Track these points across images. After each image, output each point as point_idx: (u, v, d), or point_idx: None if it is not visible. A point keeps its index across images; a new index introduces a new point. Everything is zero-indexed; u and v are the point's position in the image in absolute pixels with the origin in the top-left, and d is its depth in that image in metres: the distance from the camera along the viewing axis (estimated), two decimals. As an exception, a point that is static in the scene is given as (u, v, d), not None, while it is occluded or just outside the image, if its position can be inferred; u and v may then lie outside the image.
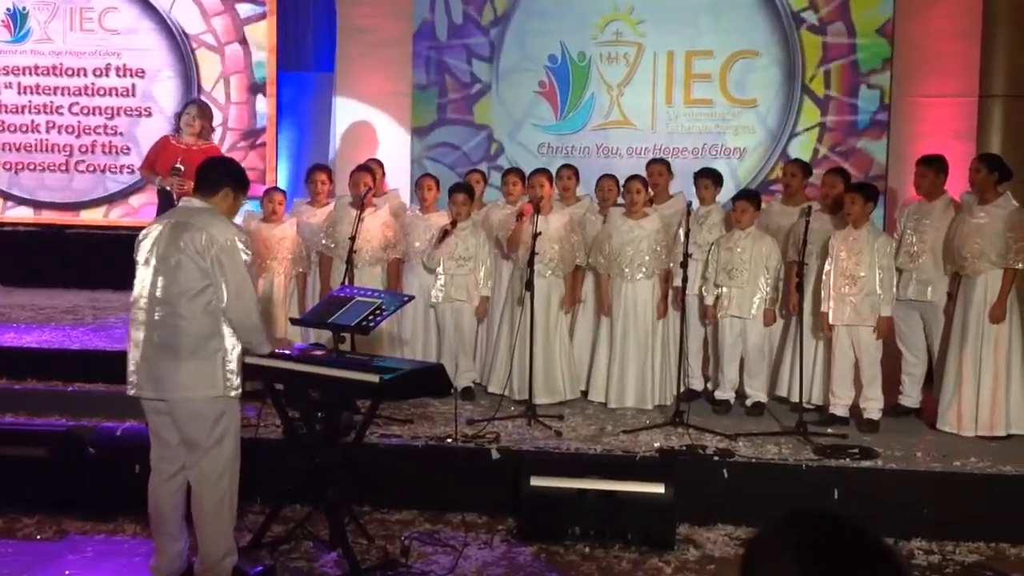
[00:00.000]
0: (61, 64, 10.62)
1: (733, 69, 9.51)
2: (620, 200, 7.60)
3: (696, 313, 7.49)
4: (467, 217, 7.43)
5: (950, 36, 9.04)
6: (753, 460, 6.13)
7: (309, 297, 7.63)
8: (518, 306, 7.25)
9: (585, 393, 7.49)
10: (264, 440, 5.92)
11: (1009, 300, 6.67)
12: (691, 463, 6.08)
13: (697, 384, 7.58)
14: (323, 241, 7.53)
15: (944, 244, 6.93)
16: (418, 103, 9.90)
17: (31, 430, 6.35)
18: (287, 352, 5.16)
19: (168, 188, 7.61)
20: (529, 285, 6.88)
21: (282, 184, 9.86)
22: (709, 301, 7.26)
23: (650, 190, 7.56)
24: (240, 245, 4.67)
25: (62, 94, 10.65)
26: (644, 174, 7.68)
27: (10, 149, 10.70)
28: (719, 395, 7.31)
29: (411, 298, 6.07)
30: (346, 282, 6.87)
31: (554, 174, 7.79)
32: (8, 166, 10.73)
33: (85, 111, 10.62)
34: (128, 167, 10.46)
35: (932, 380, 7.25)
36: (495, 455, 6.15)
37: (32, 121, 10.69)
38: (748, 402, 7.24)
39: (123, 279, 4.84)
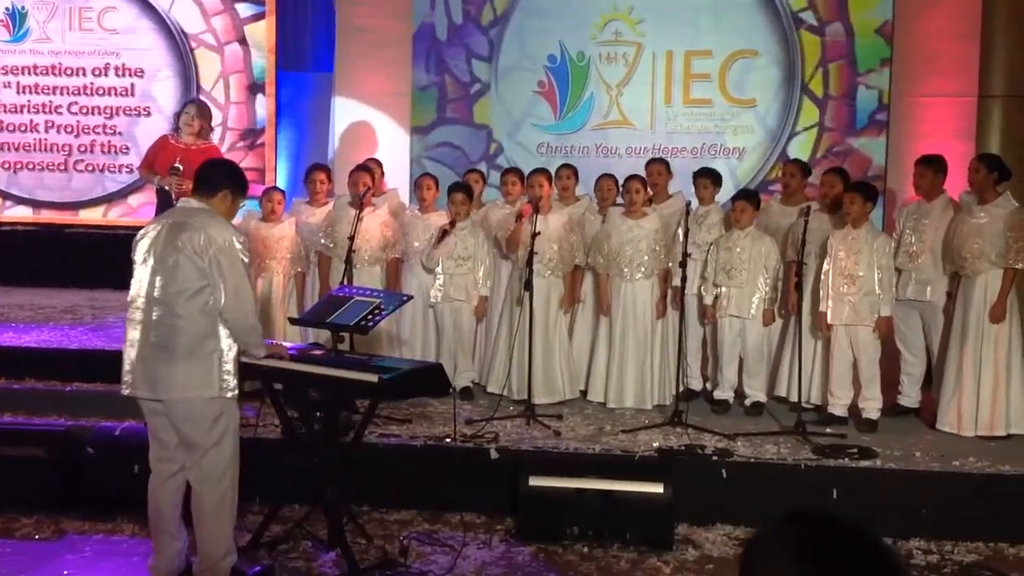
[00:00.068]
0: (60, 64, 10.62)
1: (732, 69, 9.51)
2: (619, 200, 7.59)
3: (695, 313, 7.49)
4: (466, 217, 7.43)
5: (949, 36, 9.04)
6: (752, 460, 6.13)
7: (308, 297, 7.63)
8: (517, 306, 7.25)
9: (584, 393, 7.49)
10: (263, 440, 5.92)
11: (1009, 300, 6.67)
12: (690, 463, 6.08)
13: (696, 384, 7.58)
14: (322, 241, 7.53)
15: (943, 244, 6.93)
16: (417, 103, 9.90)
17: (30, 430, 6.34)
18: (282, 359, 5.14)
19: (167, 187, 7.61)
20: (528, 285, 6.88)
21: (281, 184, 9.86)
22: (708, 301, 7.26)
23: (649, 190, 7.56)
24: (238, 246, 4.67)
25: (61, 94, 10.64)
26: (643, 174, 7.69)
27: (9, 148, 10.70)
28: (718, 395, 7.31)
29: (410, 298, 6.07)
30: (345, 282, 6.87)
31: (553, 174, 7.78)
32: (7, 165, 10.72)
33: (84, 111, 10.62)
34: (127, 167, 10.45)
35: (931, 380, 7.25)
36: (494, 455, 6.15)
37: (31, 121, 10.68)
38: (747, 402, 7.24)
39: (122, 279, 4.84)
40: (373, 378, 4.94)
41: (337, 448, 5.34)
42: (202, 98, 9.88)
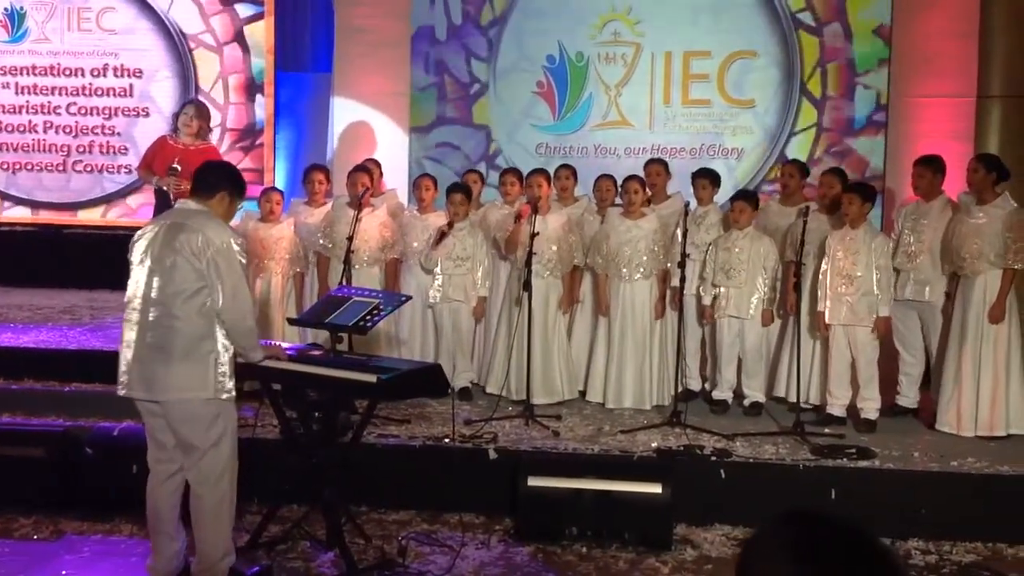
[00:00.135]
0: (59, 64, 10.61)
1: (731, 69, 9.51)
2: (618, 200, 7.59)
3: (694, 313, 7.49)
4: (464, 217, 7.43)
5: (948, 37, 9.04)
6: (750, 460, 6.13)
7: (307, 297, 7.63)
8: (516, 306, 7.25)
9: (583, 393, 7.49)
10: (261, 440, 5.92)
11: (1008, 300, 6.68)
12: (688, 463, 6.08)
13: (695, 384, 7.59)
14: (320, 241, 7.53)
15: (942, 244, 6.93)
16: (416, 103, 9.90)
17: (28, 430, 6.34)
18: (280, 359, 5.13)
19: (165, 188, 7.61)
20: (527, 285, 6.88)
21: (280, 184, 9.86)
22: (707, 301, 7.26)
23: (648, 190, 7.56)
24: (236, 248, 4.68)
25: (60, 94, 10.64)
26: (642, 174, 7.69)
27: (7, 149, 10.70)
28: (717, 395, 7.31)
29: (409, 298, 6.07)
30: (344, 282, 6.87)
31: (552, 174, 7.78)
32: (6, 166, 10.72)
33: (83, 111, 10.62)
34: (126, 167, 10.45)
35: (930, 380, 7.25)
36: (493, 455, 6.15)
37: (30, 121, 10.68)
38: (746, 402, 7.25)
39: (121, 279, 4.84)
40: (372, 378, 4.94)
41: (336, 448, 5.34)
42: (200, 99, 9.89)
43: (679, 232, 7.10)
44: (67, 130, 10.64)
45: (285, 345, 5.50)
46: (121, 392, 4.77)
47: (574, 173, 7.99)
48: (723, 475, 6.03)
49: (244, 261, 4.74)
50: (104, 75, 10.57)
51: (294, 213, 7.82)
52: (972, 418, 6.70)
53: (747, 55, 9.48)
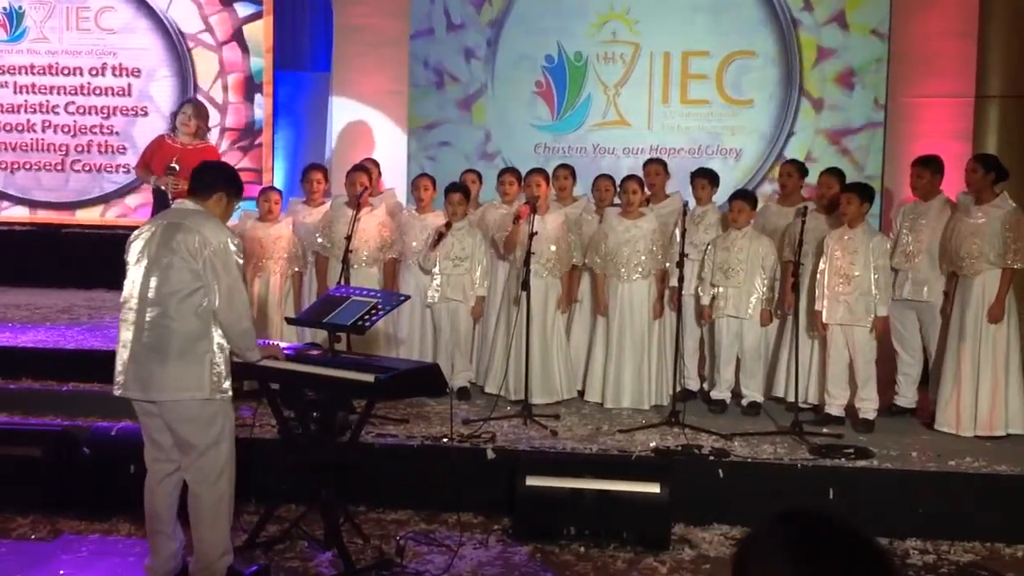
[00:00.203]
0: (57, 63, 10.62)
1: (730, 69, 9.52)
2: (617, 200, 7.59)
3: (692, 313, 7.49)
4: (463, 217, 7.43)
5: (946, 37, 9.05)
6: (749, 460, 6.13)
7: (305, 296, 7.63)
8: (514, 306, 7.25)
9: (581, 393, 7.49)
10: (260, 440, 5.93)
11: (1007, 300, 6.68)
12: (687, 463, 6.08)
13: (693, 384, 7.59)
14: (319, 241, 7.53)
15: (941, 244, 6.93)
16: (415, 103, 9.90)
17: (26, 430, 6.33)
18: (277, 359, 5.13)
19: (163, 187, 7.61)
20: (525, 285, 6.88)
21: (278, 183, 9.86)
22: (705, 301, 7.26)
23: (646, 190, 7.56)
24: (232, 248, 4.67)
25: (58, 93, 10.64)
26: (641, 174, 7.69)
27: (6, 149, 10.70)
28: (715, 395, 7.30)
29: (407, 298, 6.07)
30: (342, 282, 6.86)
31: (551, 174, 7.78)
32: (4, 166, 10.72)
33: (81, 110, 10.62)
34: (124, 167, 10.45)
35: (928, 380, 7.25)
36: (491, 455, 6.15)
37: (28, 120, 10.68)
38: (744, 402, 7.24)
39: (119, 279, 4.83)
40: (370, 378, 4.93)
41: (334, 448, 5.33)
42: (199, 98, 9.89)
43: (678, 232, 7.09)
44: (66, 129, 10.65)
45: (283, 345, 5.49)
46: (117, 392, 4.76)
47: (573, 173, 7.98)
48: (721, 475, 6.03)
49: (241, 261, 4.74)
50: (103, 74, 10.58)
51: (292, 212, 7.82)
52: (971, 418, 6.70)
53: (746, 55, 9.48)
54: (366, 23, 9.88)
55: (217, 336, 4.68)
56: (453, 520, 5.93)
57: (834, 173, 7.45)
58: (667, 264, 7.27)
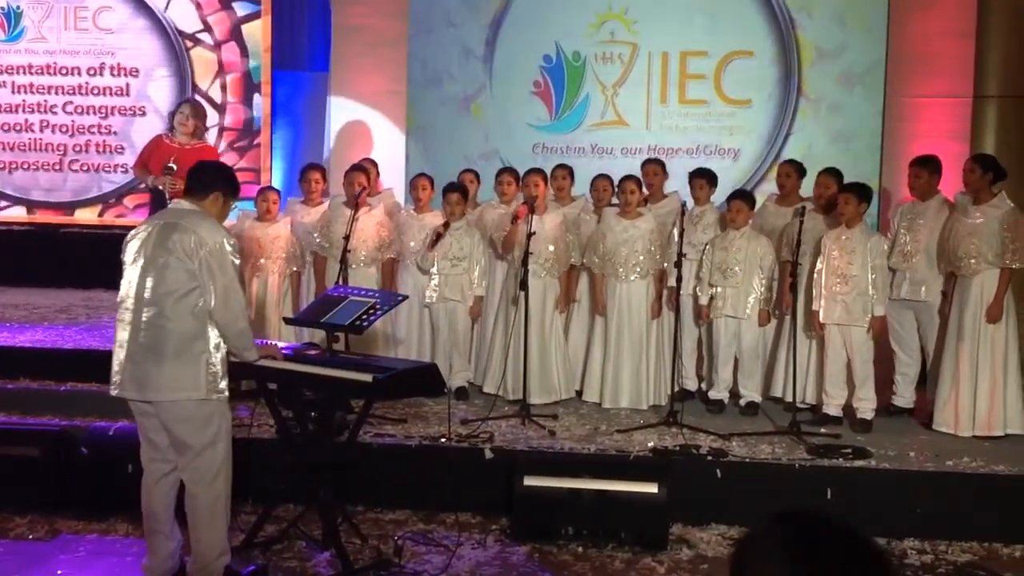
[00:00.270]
0: (55, 63, 10.61)
1: (728, 69, 9.52)
2: (615, 200, 7.59)
3: (690, 313, 7.49)
4: (461, 217, 7.42)
5: (945, 37, 9.05)
6: (746, 460, 6.13)
7: (303, 296, 7.63)
8: (513, 306, 7.25)
9: (579, 393, 7.49)
10: (258, 440, 5.93)
11: (1005, 300, 6.68)
12: (685, 463, 6.08)
13: (691, 384, 7.59)
14: (317, 240, 7.53)
15: (939, 244, 6.94)
16: (413, 102, 9.89)
17: (24, 429, 6.32)
18: (275, 359, 5.12)
19: (161, 187, 7.61)
20: (524, 285, 6.88)
21: (276, 183, 9.85)
22: (703, 301, 7.26)
23: (644, 190, 7.56)
24: (229, 248, 4.67)
25: (56, 93, 10.64)
26: (639, 174, 7.69)
27: (4, 148, 10.69)
28: (713, 395, 7.31)
29: (405, 298, 6.07)
30: (340, 282, 6.86)
31: (549, 174, 7.78)
32: (2, 165, 10.71)
33: (79, 110, 10.61)
34: (122, 167, 10.45)
35: (926, 380, 7.25)
36: (489, 455, 6.15)
37: (26, 120, 10.68)
38: (742, 402, 7.25)
39: (117, 279, 4.83)
40: (368, 378, 4.93)
41: (332, 448, 5.33)
42: (197, 97, 9.89)
43: (676, 232, 7.10)
44: (63, 129, 10.64)
45: (281, 344, 5.49)
46: (114, 392, 4.77)
47: (571, 173, 7.98)
48: (719, 475, 6.03)
49: (237, 262, 4.74)
50: (100, 74, 10.57)
51: (291, 212, 7.82)
52: (970, 418, 6.71)
53: (744, 55, 9.49)
54: (364, 23, 9.88)
55: (213, 336, 4.68)
56: (451, 520, 5.93)
57: (832, 173, 7.44)
58: (665, 264, 7.28)
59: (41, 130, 10.67)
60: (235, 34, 10.45)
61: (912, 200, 7.23)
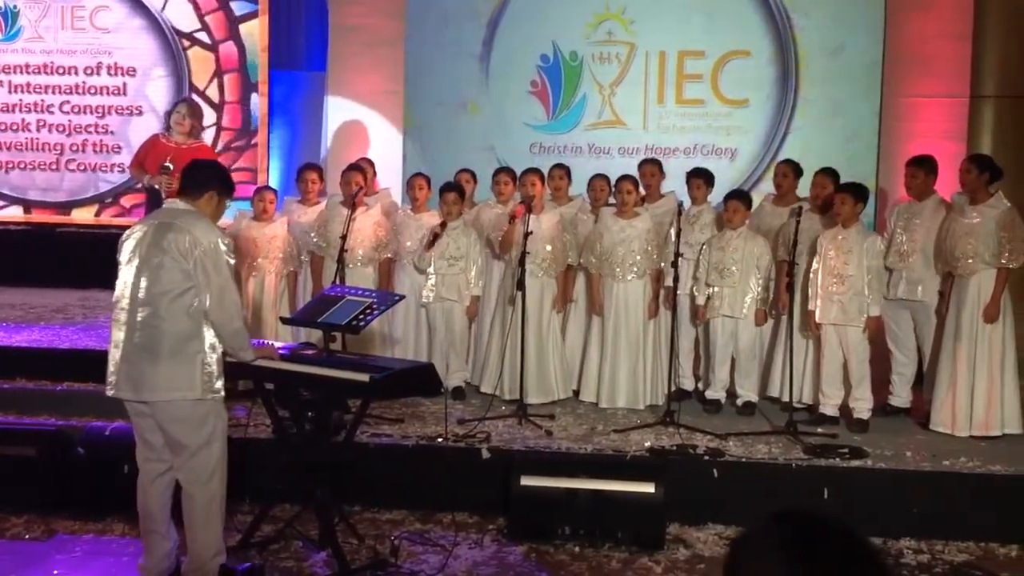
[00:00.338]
0: (52, 62, 10.60)
1: (725, 69, 9.52)
2: (612, 200, 7.59)
3: (687, 313, 7.49)
4: (457, 217, 7.42)
5: (941, 37, 9.06)
6: (743, 460, 6.13)
7: (300, 296, 7.62)
8: (510, 306, 7.25)
9: (576, 393, 7.49)
10: (254, 439, 5.93)
11: (1002, 300, 6.69)
12: (681, 463, 6.08)
13: (688, 384, 7.59)
14: (314, 240, 7.52)
15: (936, 244, 6.94)
16: (410, 102, 9.89)
17: (20, 429, 6.32)
18: (270, 360, 5.12)
19: (157, 187, 7.61)
20: (520, 285, 6.88)
21: (273, 183, 9.84)
22: (700, 301, 7.26)
23: (642, 190, 7.56)
24: (223, 248, 4.67)
25: (53, 92, 10.63)
26: (636, 174, 7.69)
27: (1, 148, 10.67)
28: (710, 395, 7.31)
29: (402, 297, 6.07)
30: (337, 281, 6.86)
31: (546, 174, 7.78)
32: (-1, 165, 10.71)
33: (76, 110, 10.60)
34: (119, 166, 10.44)
35: (922, 380, 7.26)
36: (485, 455, 6.15)
37: (23, 120, 10.66)
38: (739, 402, 7.25)
39: (113, 279, 4.83)
40: (364, 378, 4.93)
41: (328, 448, 5.33)
42: (194, 97, 9.88)
43: (673, 232, 7.10)
44: (60, 129, 10.63)
45: (278, 344, 5.49)
46: (109, 392, 4.76)
47: (568, 173, 7.98)
48: (716, 474, 6.04)
49: (232, 261, 4.73)
50: (97, 73, 10.56)
51: (288, 212, 7.82)
52: (967, 418, 6.71)
53: (741, 54, 9.49)
54: (362, 23, 9.88)
55: (209, 336, 4.67)
56: (448, 520, 5.93)
57: (829, 173, 7.45)
58: (662, 264, 7.28)
59: (38, 129, 10.65)
60: (233, 33, 10.44)
61: (908, 200, 7.23)
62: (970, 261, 6.68)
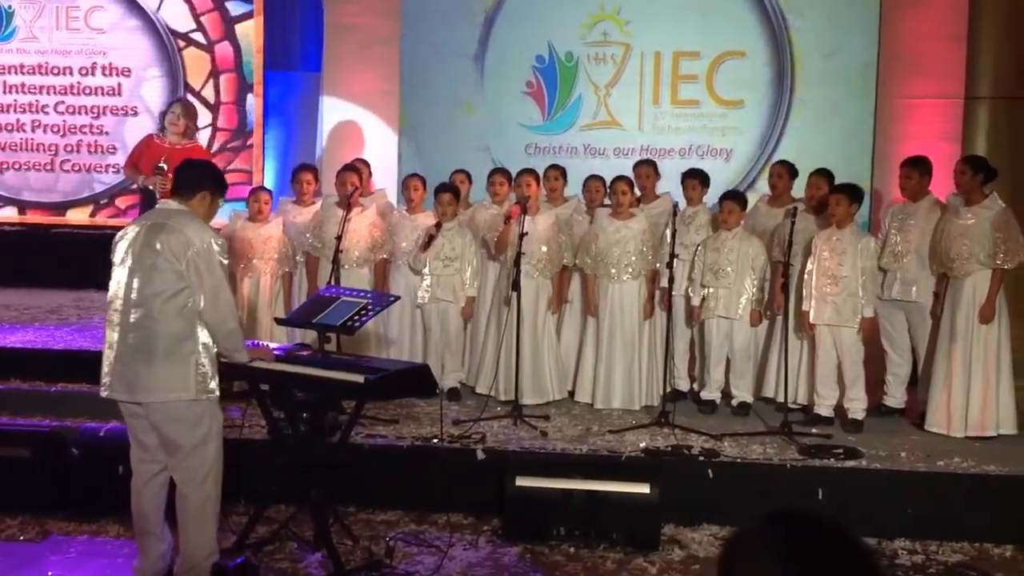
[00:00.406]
0: (47, 63, 10.58)
1: (720, 70, 9.52)
2: (607, 201, 7.60)
3: (682, 314, 7.50)
4: (453, 217, 7.42)
5: (936, 38, 9.06)
6: (738, 460, 6.14)
7: (295, 297, 7.61)
8: (505, 306, 7.25)
9: (572, 394, 7.49)
10: (249, 440, 5.91)
11: (997, 300, 6.70)
12: (676, 463, 6.08)
13: (683, 384, 7.60)
14: (309, 241, 7.52)
15: (931, 245, 6.95)
16: (405, 103, 9.88)
17: (14, 430, 6.30)
18: (264, 361, 5.11)
19: (151, 187, 7.60)
20: (516, 285, 6.88)
21: (268, 183, 9.84)
22: (695, 302, 7.26)
23: (637, 191, 7.56)
24: (216, 248, 4.66)
25: (48, 93, 10.61)
26: (631, 175, 7.69)
27: (-5, 148, 10.67)
28: (705, 395, 7.31)
29: (397, 298, 6.06)
30: (332, 282, 6.86)
31: (541, 174, 7.78)
32: (-7, 165, 10.69)
33: (71, 110, 10.58)
34: (114, 167, 10.42)
35: (917, 380, 7.27)
36: (480, 455, 6.15)
37: (17, 120, 10.64)
38: (734, 402, 7.25)
39: (108, 280, 4.82)
40: (359, 378, 4.93)
41: (323, 449, 5.33)
42: (189, 97, 9.87)
43: (668, 232, 7.10)
44: (55, 129, 10.61)
45: (273, 345, 5.49)
46: (104, 393, 4.76)
47: (563, 173, 7.98)
48: (711, 475, 6.04)
49: (225, 262, 4.73)
50: (92, 74, 10.54)
51: (282, 212, 7.81)
52: (962, 419, 6.72)
53: (736, 55, 9.49)
54: (357, 23, 9.87)
55: (202, 336, 4.67)
56: (443, 521, 5.93)
57: (823, 174, 7.46)
58: (657, 265, 7.28)
59: (33, 130, 10.63)
60: (229, 33, 10.42)
61: (903, 201, 7.25)
62: (965, 262, 6.69)
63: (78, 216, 10.64)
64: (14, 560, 5.29)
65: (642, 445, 6.34)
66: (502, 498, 5.80)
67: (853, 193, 6.90)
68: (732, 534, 1.92)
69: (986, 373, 6.70)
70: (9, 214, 10.70)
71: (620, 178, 7.43)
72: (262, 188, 8.15)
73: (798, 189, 7.68)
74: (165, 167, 7.41)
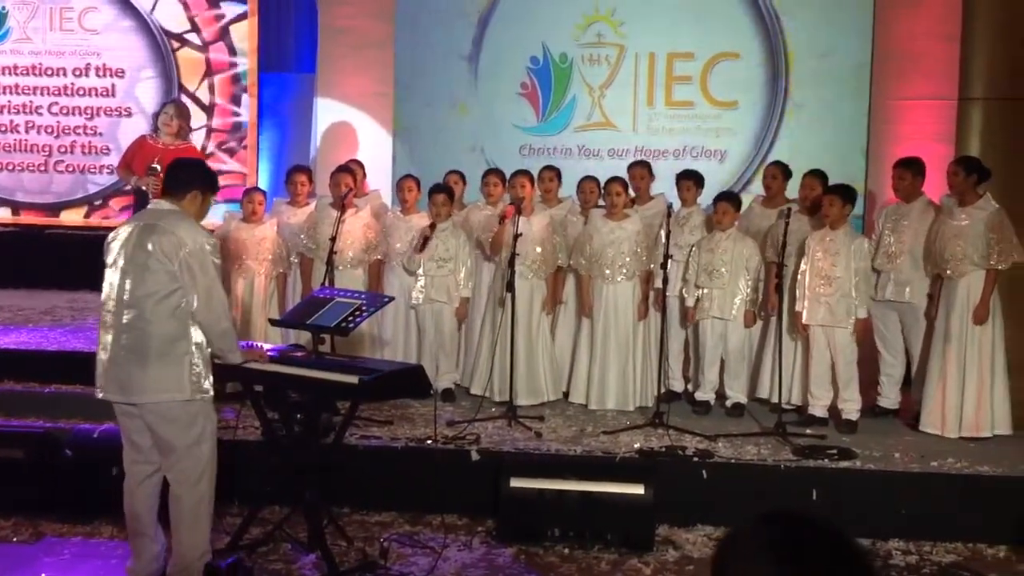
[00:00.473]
0: (40, 64, 10.57)
1: (714, 71, 9.53)
2: (601, 202, 7.60)
3: (677, 314, 7.50)
4: (447, 218, 7.42)
5: (930, 39, 9.07)
6: (732, 461, 6.14)
7: (289, 298, 7.61)
8: (499, 307, 7.25)
9: (566, 394, 7.49)
10: (243, 441, 5.91)
11: (992, 301, 6.71)
12: (671, 464, 6.09)
13: (677, 385, 7.61)
14: (304, 242, 7.52)
15: (925, 246, 6.96)
16: (399, 104, 9.88)
17: (8, 431, 6.29)
18: (258, 362, 5.10)
19: (144, 188, 7.59)
20: (510, 286, 6.88)
21: (262, 184, 9.82)
22: (690, 302, 7.27)
23: (631, 192, 7.57)
24: (209, 248, 4.65)
25: (41, 94, 10.59)
26: (625, 176, 7.69)
27: (-11, 149, 10.65)
28: (699, 396, 7.32)
29: (391, 299, 6.06)
30: (326, 283, 6.85)
31: (536, 175, 7.78)
32: (-13, 166, 10.67)
33: (65, 111, 10.57)
34: (108, 168, 10.40)
35: (911, 381, 7.28)
36: (475, 456, 6.14)
37: (11, 121, 10.63)
38: (728, 403, 7.26)
39: (102, 281, 4.81)
40: (353, 379, 4.92)
41: (318, 450, 5.32)
42: (183, 98, 9.86)
43: (662, 233, 7.11)
44: (49, 130, 10.60)
45: (267, 346, 5.48)
46: (99, 395, 4.76)
47: (558, 174, 7.98)
48: (705, 476, 6.05)
49: (218, 262, 4.72)
50: (86, 75, 10.53)
51: (277, 213, 7.80)
52: (957, 419, 6.73)
53: (730, 56, 9.50)
54: (351, 24, 9.86)
55: (196, 336, 4.66)
56: (437, 522, 5.92)
57: (817, 175, 7.47)
58: (652, 265, 7.29)
59: (26, 131, 10.62)
60: (223, 35, 10.42)
61: (896, 202, 7.26)
62: (959, 263, 6.71)
63: (72, 217, 10.62)
64: (7, 561, 5.28)
65: (636, 446, 6.34)
66: (496, 499, 5.80)
67: (847, 194, 6.91)
68: (726, 535, 1.92)
69: (980, 374, 6.71)
70: (3, 215, 10.69)
71: (614, 179, 7.44)
72: (256, 189, 8.13)
73: (792, 190, 7.69)
74: (158, 168, 7.41)
